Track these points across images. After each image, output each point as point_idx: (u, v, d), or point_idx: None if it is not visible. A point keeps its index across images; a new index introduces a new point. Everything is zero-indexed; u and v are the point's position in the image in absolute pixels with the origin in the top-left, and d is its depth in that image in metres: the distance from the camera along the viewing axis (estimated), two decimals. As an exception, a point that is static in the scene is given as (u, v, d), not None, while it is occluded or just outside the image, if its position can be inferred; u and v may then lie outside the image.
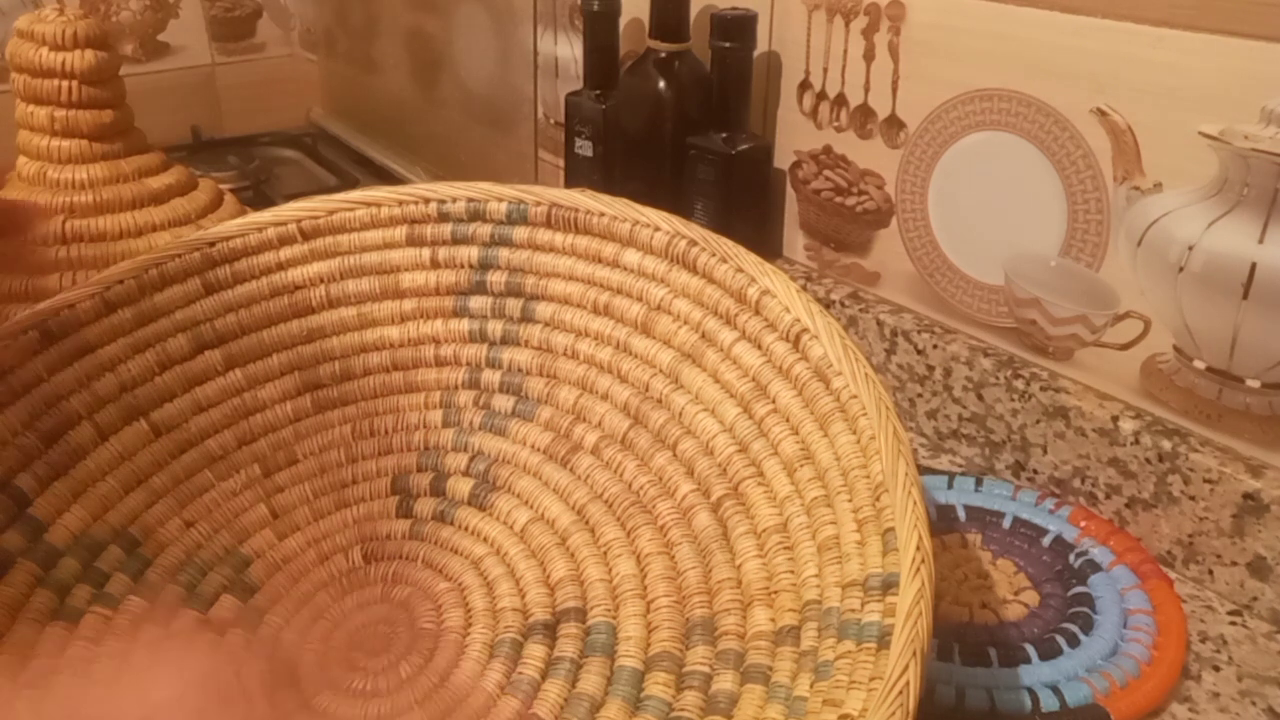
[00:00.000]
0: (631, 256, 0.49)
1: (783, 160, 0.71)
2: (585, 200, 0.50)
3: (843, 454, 0.40)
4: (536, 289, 0.52)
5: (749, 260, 0.45)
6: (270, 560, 0.48)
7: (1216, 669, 0.46)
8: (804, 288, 0.44)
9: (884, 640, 0.33)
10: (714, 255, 0.46)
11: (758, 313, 0.45)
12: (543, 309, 0.52)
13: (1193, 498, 0.51)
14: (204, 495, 0.49)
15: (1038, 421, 0.57)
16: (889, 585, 0.34)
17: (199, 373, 0.50)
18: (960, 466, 0.61)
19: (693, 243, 0.47)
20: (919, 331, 0.63)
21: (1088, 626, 0.47)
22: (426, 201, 0.52)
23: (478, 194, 0.52)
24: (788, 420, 0.43)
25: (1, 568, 0.43)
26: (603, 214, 0.50)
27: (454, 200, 0.52)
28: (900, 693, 0.29)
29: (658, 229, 0.48)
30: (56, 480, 0.45)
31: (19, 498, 0.44)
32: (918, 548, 0.33)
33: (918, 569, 0.32)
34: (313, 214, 0.52)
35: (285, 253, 0.52)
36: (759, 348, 0.45)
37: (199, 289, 0.51)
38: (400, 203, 0.52)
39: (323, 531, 0.50)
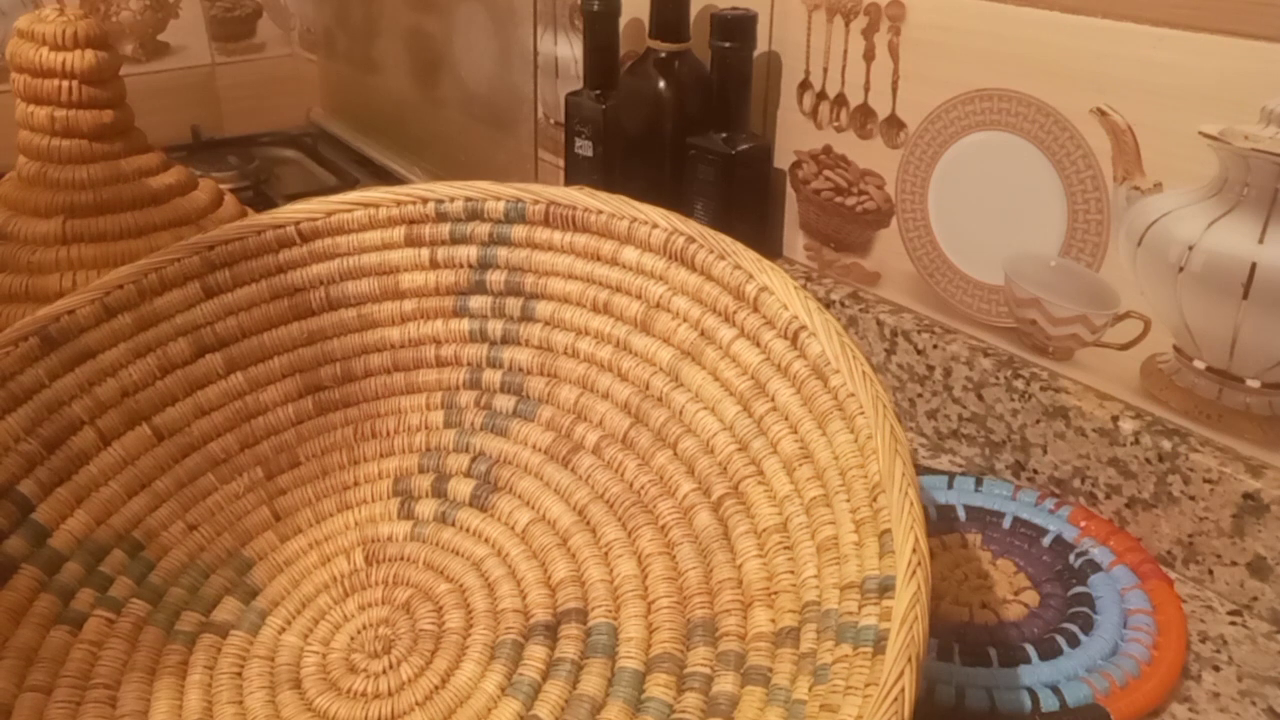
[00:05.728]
0: (630, 254, 0.49)
1: (783, 160, 0.71)
2: (583, 198, 0.50)
3: (841, 453, 0.40)
4: (536, 288, 0.52)
5: (747, 257, 0.46)
6: (272, 563, 0.48)
7: (1216, 669, 0.46)
8: (804, 287, 0.44)
9: (880, 645, 0.33)
10: (712, 252, 0.46)
11: (756, 309, 0.45)
12: (542, 308, 0.52)
13: (1193, 498, 0.51)
14: (207, 498, 0.49)
15: (1038, 421, 0.57)
16: (885, 588, 0.34)
17: (200, 376, 0.50)
18: (960, 466, 0.61)
19: (690, 239, 0.47)
20: (919, 331, 0.63)
21: (1088, 626, 0.47)
22: (424, 201, 0.52)
23: (475, 193, 0.52)
24: (787, 419, 0.43)
25: (5, 572, 0.43)
26: (600, 211, 0.50)
27: (452, 200, 0.52)
28: (895, 700, 0.29)
29: (655, 226, 0.48)
30: (59, 485, 0.46)
31: (22, 503, 0.44)
32: (914, 550, 0.33)
33: (914, 572, 0.32)
34: (311, 216, 0.52)
35: (284, 255, 0.52)
36: (758, 345, 0.45)
37: (199, 293, 0.51)
38: (398, 203, 0.52)
39: (325, 534, 0.50)
